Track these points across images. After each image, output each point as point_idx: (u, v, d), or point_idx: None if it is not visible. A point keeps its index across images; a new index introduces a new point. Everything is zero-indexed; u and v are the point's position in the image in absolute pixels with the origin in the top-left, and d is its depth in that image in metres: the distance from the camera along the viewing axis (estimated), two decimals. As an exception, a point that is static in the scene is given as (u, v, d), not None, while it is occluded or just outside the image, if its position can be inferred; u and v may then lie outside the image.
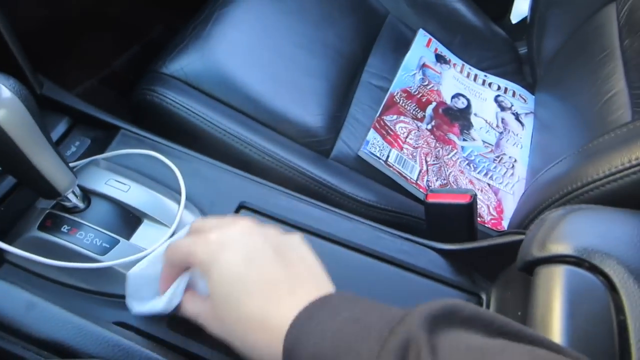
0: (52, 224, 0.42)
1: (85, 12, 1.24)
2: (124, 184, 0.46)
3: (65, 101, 0.57)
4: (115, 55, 1.19)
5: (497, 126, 0.90)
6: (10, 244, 0.41)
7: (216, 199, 0.51)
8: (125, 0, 1.27)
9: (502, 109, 0.93)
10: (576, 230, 0.37)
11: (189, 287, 0.40)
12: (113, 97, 1.12)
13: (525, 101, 0.95)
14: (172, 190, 0.49)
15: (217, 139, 0.60)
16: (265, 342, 0.32)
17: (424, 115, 0.84)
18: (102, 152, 0.53)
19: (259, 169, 0.60)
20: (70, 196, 0.43)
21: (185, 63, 0.65)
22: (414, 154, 0.78)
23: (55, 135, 0.55)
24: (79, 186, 0.44)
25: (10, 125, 0.36)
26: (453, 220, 0.55)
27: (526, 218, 0.52)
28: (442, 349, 0.25)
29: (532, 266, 0.38)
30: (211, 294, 0.35)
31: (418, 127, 0.82)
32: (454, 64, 0.97)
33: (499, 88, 0.96)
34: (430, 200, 0.55)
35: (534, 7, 0.98)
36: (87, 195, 0.45)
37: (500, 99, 0.94)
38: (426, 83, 0.89)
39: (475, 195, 0.53)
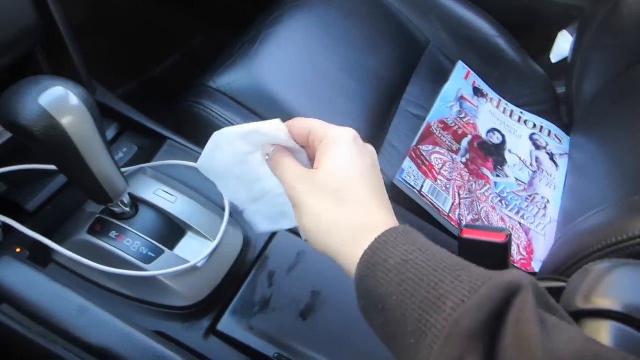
0: (101, 228, 0.43)
1: (129, 17, 1.28)
2: (172, 195, 0.47)
3: (116, 107, 0.58)
4: (156, 62, 1.22)
5: (531, 165, 0.89)
6: (58, 244, 0.42)
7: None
8: (168, 9, 1.30)
9: (537, 147, 0.92)
10: (624, 286, 0.36)
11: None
12: (151, 102, 1.14)
13: (560, 141, 0.95)
14: (215, 204, 0.50)
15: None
16: (355, 243, 0.32)
17: (459, 148, 0.84)
18: (148, 160, 0.55)
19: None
20: (121, 203, 0.44)
21: (233, 79, 0.67)
22: (448, 186, 0.78)
23: (105, 140, 0.56)
24: (129, 194, 0.45)
25: (75, 131, 0.37)
26: (486, 258, 0.54)
27: (563, 265, 0.51)
28: (550, 323, 0.25)
29: (575, 317, 0.37)
30: (325, 174, 0.35)
31: (453, 160, 0.82)
32: (491, 99, 0.97)
33: (534, 126, 0.96)
34: (466, 235, 0.55)
35: (576, 49, 0.98)
36: (136, 202, 0.46)
37: (535, 137, 0.94)
38: (463, 115, 0.89)
39: (511, 235, 0.52)
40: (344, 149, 0.35)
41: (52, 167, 0.49)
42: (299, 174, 0.36)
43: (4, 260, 0.40)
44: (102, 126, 0.40)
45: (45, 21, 0.52)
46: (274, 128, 0.37)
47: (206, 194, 0.51)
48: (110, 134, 0.58)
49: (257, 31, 0.76)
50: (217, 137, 0.39)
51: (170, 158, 0.54)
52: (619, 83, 0.78)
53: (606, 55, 0.89)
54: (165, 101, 1.16)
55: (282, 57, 0.74)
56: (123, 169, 0.52)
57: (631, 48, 0.79)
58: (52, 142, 0.36)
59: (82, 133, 0.38)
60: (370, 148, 0.38)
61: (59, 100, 0.36)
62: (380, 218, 0.33)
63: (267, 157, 0.39)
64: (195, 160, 0.54)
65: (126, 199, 0.44)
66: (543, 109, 1.00)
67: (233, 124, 0.63)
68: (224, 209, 0.49)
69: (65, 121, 0.36)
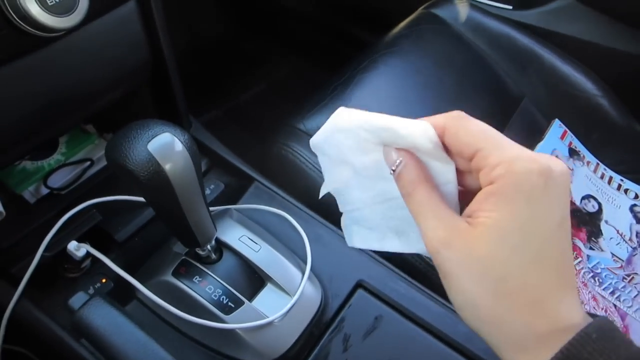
0: (185, 271, 0.43)
1: (219, 45, 1.33)
2: (256, 243, 0.46)
3: (208, 144, 0.60)
4: (242, 90, 1.26)
5: (630, 240, 0.81)
6: (143, 282, 0.43)
7: (336, 272, 0.50)
8: (255, 39, 1.35)
9: (638, 220, 0.84)
10: None
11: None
12: (235, 129, 1.18)
13: (664, 216, 0.86)
14: (297, 256, 0.49)
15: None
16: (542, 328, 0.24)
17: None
18: (234, 200, 0.55)
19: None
20: (207, 247, 0.43)
21: (322, 122, 0.66)
22: (535, 254, 0.73)
23: (195, 175, 0.57)
24: (216, 237, 0.45)
25: (176, 177, 0.38)
26: None
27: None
28: None
29: None
30: (486, 247, 0.24)
31: (542, 226, 0.76)
32: (588, 162, 0.90)
33: (636, 196, 0.88)
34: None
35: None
36: (220, 247, 0.46)
37: (637, 209, 0.86)
38: (556, 178, 0.83)
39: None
40: (525, 209, 0.24)
41: (142, 199, 0.50)
42: (444, 230, 0.26)
43: (94, 301, 0.40)
44: (201, 173, 0.40)
45: (155, 58, 0.54)
46: (418, 132, 0.27)
47: (289, 244, 0.50)
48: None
49: (350, 75, 0.75)
50: (341, 117, 0.30)
51: (256, 201, 0.54)
52: None
53: None
54: (248, 128, 1.19)
55: (373, 103, 0.73)
56: (210, 208, 0.52)
57: None
58: (154, 186, 0.37)
59: (183, 180, 0.38)
60: (563, 185, 0.26)
61: (166, 147, 0.37)
62: (560, 317, 0.24)
63: (393, 169, 0.28)
64: (280, 206, 0.54)
65: (213, 243, 0.44)
66: (647, 178, 0.92)
67: (319, 170, 0.62)
68: (305, 262, 0.48)
69: (169, 167, 0.37)
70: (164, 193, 0.37)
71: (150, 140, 0.36)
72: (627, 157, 0.93)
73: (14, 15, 0.34)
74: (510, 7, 1.10)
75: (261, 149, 0.67)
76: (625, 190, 0.88)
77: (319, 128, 0.67)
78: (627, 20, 0.97)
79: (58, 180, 0.60)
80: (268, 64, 1.34)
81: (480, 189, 0.26)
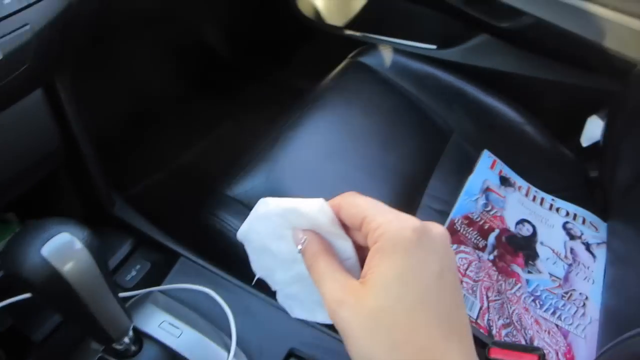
0: (102, 369, 0.42)
1: (159, 105, 1.34)
2: (177, 328, 0.46)
3: (133, 222, 0.59)
4: (183, 149, 1.26)
5: (566, 257, 0.84)
6: (60, 385, 0.41)
7: (265, 344, 0.50)
8: (198, 95, 1.36)
9: (571, 237, 0.87)
10: None
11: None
12: (178, 191, 1.16)
13: (596, 229, 0.90)
14: (223, 334, 0.48)
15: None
16: None
17: (486, 244, 0.81)
18: (160, 279, 0.54)
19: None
20: (124, 341, 0.43)
21: (249, 186, 0.67)
22: (474, 288, 0.74)
23: (119, 256, 0.57)
24: (134, 327, 0.44)
25: (76, 278, 0.37)
26: (518, 382, 0.51)
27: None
28: None
29: None
30: (374, 301, 0.27)
31: (479, 258, 0.78)
32: (519, 187, 0.93)
33: (567, 214, 0.91)
34: (494, 356, 0.51)
35: (607, 134, 0.95)
36: (140, 337, 0.45)
37: (569, 226, 0.89)
38: (489, 208, 0.86)
39: (544, 355, 0.48)
40: (402, 260, 0.27)
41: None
42: (339, 291, 0.28)
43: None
44: (107, 267, 0.40)
45: (68, 144, 0.54)
46: (315, 209, 0.31)
47: (215, 321, 0.50)
48: (125, 249, 0.58)
49: (276, 134, 0.77)
50: (260, 207, 0.33)
51: (183, 277, 0.54)
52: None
53: (638, 142, 0.86)
54: (192, 189, 1.18)
55: (300, 160, 0.74)
56: (132, 292, 0.51)
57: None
58: (52, 291, 0.36)
59: (84, 279, 0.37)
60: (439, 242, 0.29)
61: (62, 248, 0.37)
62: None
63: (299, 247, 0.32)
64: (206, 281, 0.54)
65: (130, 335, 0.43)
66: (575, 194, 0.95)
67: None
68: (230, 339, 0.47)
69: (67, 268, 0.36)
70: (65, 297, 0.37)
71: (44, 244, 0.36)
72: (556, 177, 0.97)
73: None
74: (435, 47, 1.16)
75: (190, 217, 0.66)
76: (557, 209, 0.92)
77: (245, 193, 0.68)
78: (537, 50, 1.03)
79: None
80: (208, 120, 1.34)
81: None
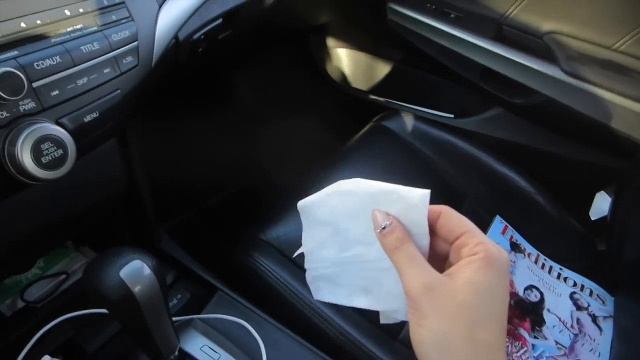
0: (150, 382, 0.48)
1: (200, 152, 1.43)
2: (216, 352, 0.51)
3: (176, 256, 0.66)
4: (213, 194, 1.35)
5: (572, 327, 0.87)
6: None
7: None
8: (233, 143, 1.45)
9: (578, 308, 0.91)
10: None
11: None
12: (206, 230, 1.24)
13: (603, 302, 0.93)
14: (254, 362, 0.54)
15: (299, 310, 0.66)
16: None
17: (496, 305, 0.85)
18: (200, 308, 0.60)
19: (332, 345, 0.63)
20: (171, 358, 0.48)
21: (282, 232, 0.74)
22: (483, 345, 0.78)
23: (163, 286, 0.63)
24: (179, 348, 0.50)
25: (143, 298, 0.44)
26: None
27: None
28: None
29: None
30: (466, 297, 0.32)
31: (488, 318, 0.82)
32: (529, 254, 0.98)
33: (575, 284, 0.95)
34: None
35: (614, 209, 1.00)
36: (184, 357, 0.51)
37: (576, 296, 0.93)
38: (500, 271, 0.91)
39: None
40: (495, 275, 0.32)
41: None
42: (427, 277, 0.32)
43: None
44: (167, 291, 0.46)
45: (130, 186, 0.62)
46: (417, 197, 0.33)
47: (248, 350, 0.55)
48: (169, 279, 0.65)
49: (306, 186, 0.84)
50: (346, 184, 0.34)
51: (219, 309, 0.60)
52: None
53: (644, 220, 0.90)
54: (219, 230, 1.26)
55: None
56: (175, 318, 0.57)
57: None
58: (123, 307, 0.43)
59: (149, 299, 0.44)
60: (508, 267, 0.34)
61: (135, 272, 0.43)
62: None
63: (383, 227, 0.33)
64: (240, 314, 0.60)
65: (176, 354, 0.49)
66: (584, 266, 0.99)
67: (279, 279, 0.68)
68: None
69: (137, 289, 0.43)
70: (132, 313, 0.43)
71: (122, 268, 0.43)
72: (565, 247, 1.01)
73: (13, 170, 0.41)
74: (452, 116, 1.25)
75: (228, 255, 0.73)
76: (565, 279, 0.96)
77: (277, 238, 0.75)
78: (548, 125, 1.11)
79: (34, 293, 0.65)
80: (237, 170, 1.43)
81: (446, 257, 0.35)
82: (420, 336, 0.32)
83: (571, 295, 0.93)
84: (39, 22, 0.43)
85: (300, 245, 0.37)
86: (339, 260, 0.36)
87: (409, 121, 1.12)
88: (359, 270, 0.36)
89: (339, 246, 0.36)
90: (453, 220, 0.35)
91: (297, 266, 0.72)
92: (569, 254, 1.01)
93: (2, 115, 0.40)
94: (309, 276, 0.38)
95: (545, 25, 0.93)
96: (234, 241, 0.72)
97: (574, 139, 1.08)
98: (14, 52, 0.41)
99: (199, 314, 0.58)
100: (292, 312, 0.65)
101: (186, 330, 0.54)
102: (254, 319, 0.59)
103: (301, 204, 0.36)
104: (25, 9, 0.43)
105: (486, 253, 0.33)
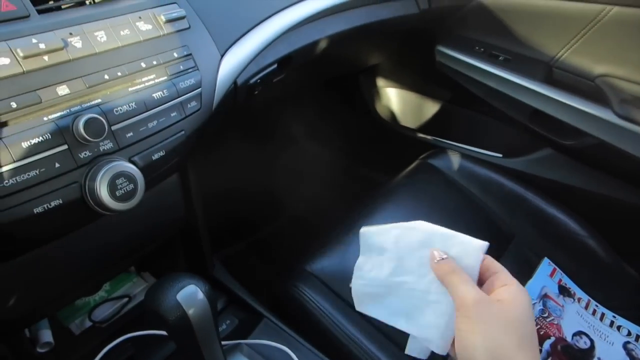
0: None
1: (247, 185, 1.50)
2: (262, 376, 0.55)
3: (227, 283, 0.71)
4: (263, 224, 1.40)
5: (625, 377, 0.84)
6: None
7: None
8: (281, 181, 1.52)
9: (632, 358, 0.87)
10: None
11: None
12: (254, 260, 1.29)
13: (660, 354, 0.89)
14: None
15: (340, 341, 0.68)
16: None
17: (541, 350, 0.83)
18: (247, 333, 0.64)
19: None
20: (218, 381, 0.52)
21: (326, 264, 0.77)
22: (526, 390, 0.77)
23: (214, 311, 0.68)
24: (226, 372, 0.54)
25: (196, 320, 0.48)
26: None
27: None
28: None
29: None
30: (512, 310, 0.37)
31: (533, 362, 0.81)
32: (579, 298, 0.96)
33: (629, 333, 0.91)
34: None
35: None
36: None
37: (630, 346, 0.89)
38: (546, 315, 0.89)
39: None
40: (528, 304, 0.38)
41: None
42: (477, 294, 0.37)
43: None
44: (217, 315, 0.50)
45: (189, 217, 0.68)
46: (477, 247, 0.40)
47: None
48: (219, 305, 0.69)
49: (351, 220, 0.88)
50: (412, 223, 0.41)
51: (265, 335, 0.63)
52: None
53: None
54: (268, 259, 1.30)
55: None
56: (224, 342, 0.61)
57: None
58: (179, 327, 0.47)
59: (202, 321, 0.48)
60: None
61: (191, 296, 0.48)
62: None
63: (440, 259, 0.39)
64: (284, 341, 0.63)
65: (223, 377, 0.53)
66: (639, 315, 0.96)
67: (322, 309, 0.71)
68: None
69: (191, 312, 0.48)
70: (186, 333, 0.48)
71: (179, 292, 0.48)
72: (618, 295, 0.97)
73: (92, 202, 0.48)
74: (500, 155, 1.24)
75: (275, 285, 0.77)
76: (618, 327, 0.92)
77: (322, 270, 0.78)
78: (600, 167, 1.08)
79: (100, 314, 0.71)
80: (287, 200, 1.49)
81: None
82: (473, 342, 0.36)
83: (625, 345, 0.89)
84: (119, 74, 0.50)
85: (343, 277, 0.43)
86: (389, 283, 0.41)
87: (455, 159, 1.13)
88: (406, 296, 0.40)
89: (392, 271, 0.41)
90: (491, 262, 0.42)
91: (341, 298, 0.74)
92: (623, 301, 0.97)
93: (85, 154, 0.47)
94: (354, 289, 0.43)
95: (598, 68, 0.93)
96: (281, 271, 0.76)
97: (627, 181, 1.05)
98: (98, 100, 0.48)
99: (245, 339, 0.62)
100: (333, 343, 0.67)
101: (233, 353, 0.57)
102: (296, 346, 0.61)
103: (363, 230, 0.43)
104: (109, 62, 0.50)
105: (515, 285, 0.39)
